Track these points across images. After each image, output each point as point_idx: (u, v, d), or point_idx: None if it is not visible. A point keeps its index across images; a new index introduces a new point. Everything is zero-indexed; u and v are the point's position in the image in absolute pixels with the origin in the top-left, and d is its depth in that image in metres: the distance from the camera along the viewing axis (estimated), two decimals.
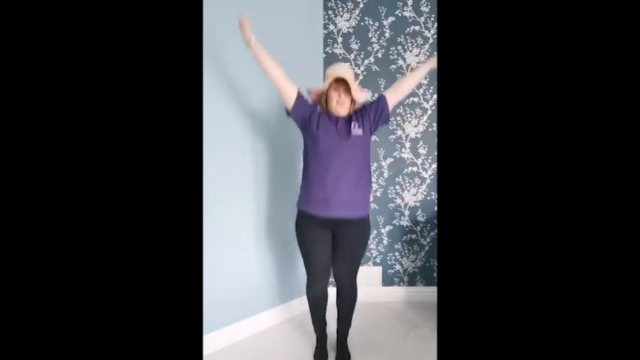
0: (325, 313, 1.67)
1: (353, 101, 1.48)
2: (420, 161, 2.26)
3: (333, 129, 1.45)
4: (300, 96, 1.47)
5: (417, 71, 1.54)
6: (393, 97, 1.52)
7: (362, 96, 1.47)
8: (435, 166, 2.26)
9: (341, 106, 1.44)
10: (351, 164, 1.44)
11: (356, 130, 1.45)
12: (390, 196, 2.28)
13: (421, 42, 2.22)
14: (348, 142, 1.43)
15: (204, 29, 1.53)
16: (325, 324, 1.71)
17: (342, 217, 1.45)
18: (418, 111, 2.24)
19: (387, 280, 2.31)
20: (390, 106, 1.51)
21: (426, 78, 2.23)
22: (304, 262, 1.57)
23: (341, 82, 1.43)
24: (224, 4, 1.67)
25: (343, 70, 1.44)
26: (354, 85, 1.43)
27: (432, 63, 1.52)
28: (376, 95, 2.23)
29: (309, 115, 1.48)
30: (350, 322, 1.66)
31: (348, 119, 1.48)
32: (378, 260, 2.31)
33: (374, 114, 1.49)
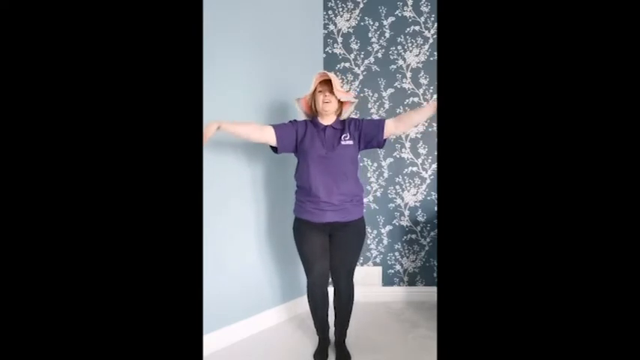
0: (327, 315, 1.68)
1: (340, 104, 1.51)
2: (420, 161, 2.27)
3: (319, 142, 1.48)
4: (278, 131, 1.48)
5: (423, 111, 1.46)
6: (392, 126, 1.49)
7: (346, 96, 1.49)
8: (435, 166, 2.26)
9: (328, 104, 1.46)
10: (340, 173, 1.47)
11: (346, 141, 1.48)
12: (390, 196, 2.28)
13: (421, 42, 2.22)
14: (335, 152, 1.47)
15: (204, 26, 1.53)
16: (328, 328, 1.72)
17: (337, 221, 1.50)
18: None
19: (387, 280, 2.31)
20: (386, 134, 1.50)
21: (425, 77, 2.23)
22: (303, 266, 1.60)
23: (325, 83, 1.47)
24: (223, 4, 1.67)
25: (325, 73, 1.47)
26: (337, 84, 1.45)
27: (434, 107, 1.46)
28: (376, 95, 2.24)
29: (295, 138, 1.51)
30: (348, 322, 1.68)
31: (340, 130, 1.51)
32: (378, 260, 2.31)
33: (368, 131, 1.51)
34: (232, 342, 1.78)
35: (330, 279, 1.61)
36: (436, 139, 2.23)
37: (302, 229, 1.55)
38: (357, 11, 2.21)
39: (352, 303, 1.65)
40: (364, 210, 1.60)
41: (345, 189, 1.48)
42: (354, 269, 1.60)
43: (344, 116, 1.57)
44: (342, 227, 1.51)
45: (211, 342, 1.70)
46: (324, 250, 1.54)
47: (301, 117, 1.61)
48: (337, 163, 1.47)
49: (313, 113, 1.55)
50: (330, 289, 1.65)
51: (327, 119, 1.52)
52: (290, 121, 1.55)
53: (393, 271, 2.31)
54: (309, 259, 1.55)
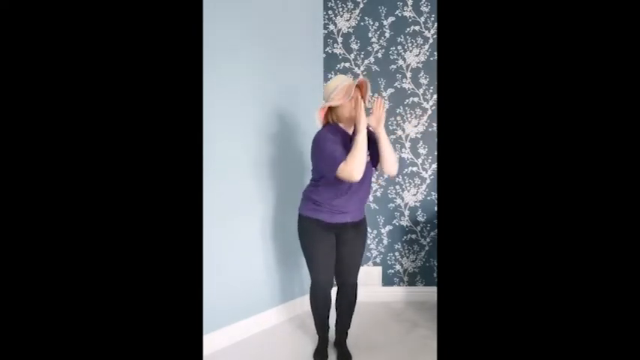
0: (328, 316, 1.68)
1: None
2: (420, 161, 2.27)
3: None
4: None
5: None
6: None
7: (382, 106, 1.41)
8: (435, 166, 2.26)
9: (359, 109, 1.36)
10: (366, 184, 1.50)
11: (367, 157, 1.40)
12: (390, 196, 2.28)
13: (421, 42, 2.22)
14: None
15: (204, 30, 1.53)
16: (328, 328, 1.72)
17: (346, 221, 1.50)
18: (418, 111, 2.24)
19: (387, 280, 2.31)
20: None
21: (425, 77, 2.23)
22: (309, 265, 1.57)
23: (357, 89, 1.41)
24: (223, 4, 1.67)
25: (363, 80, 1.43)
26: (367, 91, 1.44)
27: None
28: (376, 95, 2.23)
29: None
30: (349, 323, 1.68)
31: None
32: (378, 260, 2.31)
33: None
34: (232, 342, 1.78)
35: (335, 279, 1.61)
36: (436, 139, 2.23)
37: (311, 229, 1.50)
38: (357, 11, 2.21)
39: (355, 305, 1.65)
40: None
41: (363, 197, 1.52)
42: (358, 272, 1.60)
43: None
44: (350, 227, 1.52)
45: (211, 342, 1.70)
46: (332, 251, 1.54)
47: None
48: (364, 180, 1.44)
49: (333, 122, 1.46)
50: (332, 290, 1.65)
51: (352, 128, 1.44)
52: (326, 139, 1.39)
53: (393, 271, 2.31)
54: (318, 260, 1.52)
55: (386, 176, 2.26)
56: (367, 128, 1.40)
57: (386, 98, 2.24)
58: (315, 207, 1.49)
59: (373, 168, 1.53)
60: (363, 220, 1.57)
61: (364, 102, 1.41)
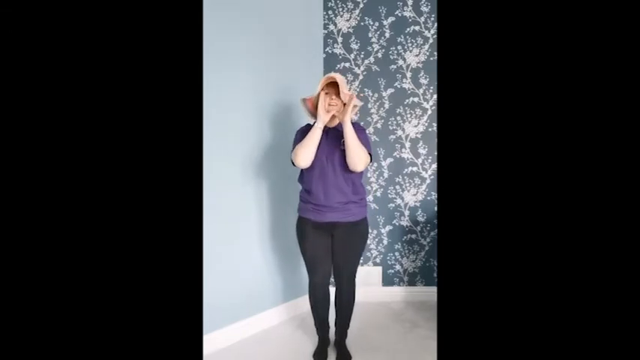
0: (328, 316, 1.69)
1: (343, 105, 1.45)
2: (420, 161, 2.27)
3: (322, 147, 1.47)
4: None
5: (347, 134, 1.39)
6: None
7: (352, 99, 1.39)
8: (435, 166, 2.26)
9: (333, 107, 1.44)
10: (340, 178, 1.48)
11: (344, 147, 1.42)
12: (390, 196, 2.28)
13: (421, 42, 2.22)
14: (336, 158, 1.47)
15: (204, 30, 1.53)
16: (328, 328, 1.72)
17: (338, 220, 1.50)
18: (418, 111, 2.24)
19: (387, 280, 2.31)
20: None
21: (425, 77, 2.23)
22: (306, 266, 1.60)
23: (331, 85, 1.46)
24: (223, 5, 1.67)
25: (333, 74, 1.45)
26: (343, 86, 1.43)
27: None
28: (376, 95, 2.23)
29: None
30: (349, 322, 1.69)
31: (339, 133, 1.47)
32: (378, 260, 2.31)
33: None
34: (232, 342, 1.78)
35: (332, 279, 1.61)
36: (436, 139, 2.23)
37: (305, 229, 1.55)
38: (357, 11, 2.21)
39: (353, 304, 1.66)
40: (366, 211, 1.60)
41: (346, 193, 1.49)
42: (356, 270, 1.60)
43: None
44: (345, 227, 1.52)
45: (211, 342, 1.70)
46: (326, 250, 1.55)
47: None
48: (337, 169, 1.47)
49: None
50: (332, 289, 1.65)
51: (332, 122, 1.51)
52: (298, 131, 1.55)
53: (393, 271, 2.31)
54: (312, 260, 1.56)
55: (386, 175, 2.26)
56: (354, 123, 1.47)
57: (385, 98, 2.24)
58: (304, 205, 1.55)
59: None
60: (359, 222, 1.54)
61: (338, 97, 1.45)
